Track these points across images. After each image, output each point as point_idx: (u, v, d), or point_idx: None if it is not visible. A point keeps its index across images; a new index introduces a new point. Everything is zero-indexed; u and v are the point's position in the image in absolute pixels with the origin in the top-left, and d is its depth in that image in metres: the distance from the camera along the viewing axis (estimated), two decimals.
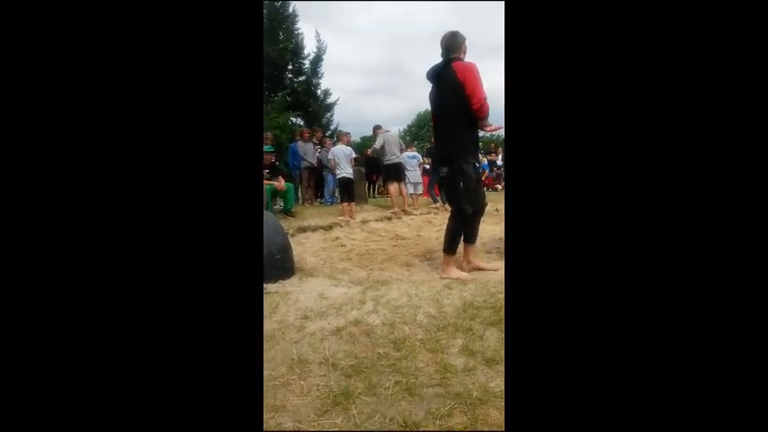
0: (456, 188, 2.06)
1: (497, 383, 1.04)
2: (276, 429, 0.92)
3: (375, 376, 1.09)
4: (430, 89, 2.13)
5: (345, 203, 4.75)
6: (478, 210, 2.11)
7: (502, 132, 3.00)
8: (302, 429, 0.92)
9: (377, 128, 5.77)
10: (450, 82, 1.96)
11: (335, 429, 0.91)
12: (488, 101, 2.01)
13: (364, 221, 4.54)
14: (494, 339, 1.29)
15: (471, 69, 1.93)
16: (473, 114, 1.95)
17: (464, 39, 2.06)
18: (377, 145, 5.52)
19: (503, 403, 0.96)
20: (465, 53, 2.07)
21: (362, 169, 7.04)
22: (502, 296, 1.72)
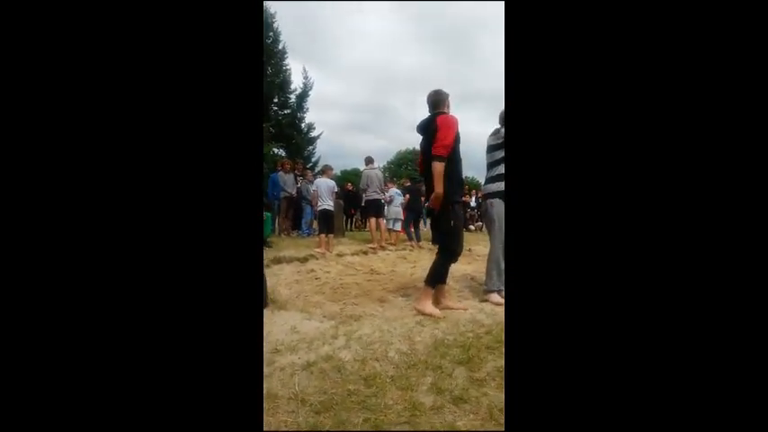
0: (446, 227, 2.16)
1: (464, 423, 1.06)
2: (276, 429, 0.90)
3: (344, 413, 1.09)
4: (420, 140, 2.31)
5: (323, 235, 4.75)
6: (459, 252, 2.21)
7: (478, 177, 3.06)
8: (302, 429, 0.90)
9: (369, 160, 5.91)
10: (434, 132, 2.11)
11: (336, 430, 0.89)
12: (461, 146, 2.17)
13: (340, 255, 4.54)
14: (462, 378, 1.31)
15: (448, 120, 2.11)
16: (432, 152, 2.06)
17: (447, 95, 2.27)
18: (362, 183, 5.68)
19: None
20: (449, 107, 2.28)
21: (341, 202, 7.11)
22: (471, 335, 1.77)
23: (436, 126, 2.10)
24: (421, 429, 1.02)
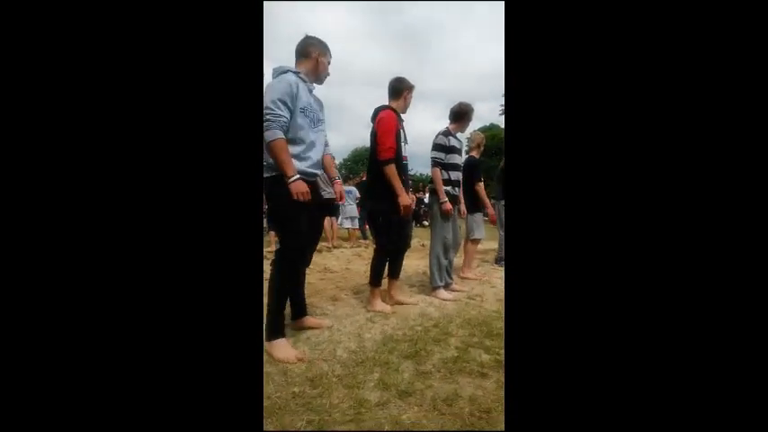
0: (377, 225, 2.16)
1: (408, 416, 1.08)
2: (275, 429, 0.90)
3: (288, 416, 1.06)
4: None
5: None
6: (401, 246, 2.20)
7: (424, 171, 3.12)
8: (302, 429, 0.90)
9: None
10: (373, 127, 2.11)
11: (338, 430, 0.86)
12: (410, 144, 2.19)
13: None
14: (408, 372, 1.34)
15: (383, 118, 2.05)
16: (378, 159, 2.03)
17: (408, 86, 2.17)
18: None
19: None
20: (406, 101, 2.18)
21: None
22: (420, 328, 1.81)
23: (376, 127, 2.06)
24: (366, 427, 1.03)
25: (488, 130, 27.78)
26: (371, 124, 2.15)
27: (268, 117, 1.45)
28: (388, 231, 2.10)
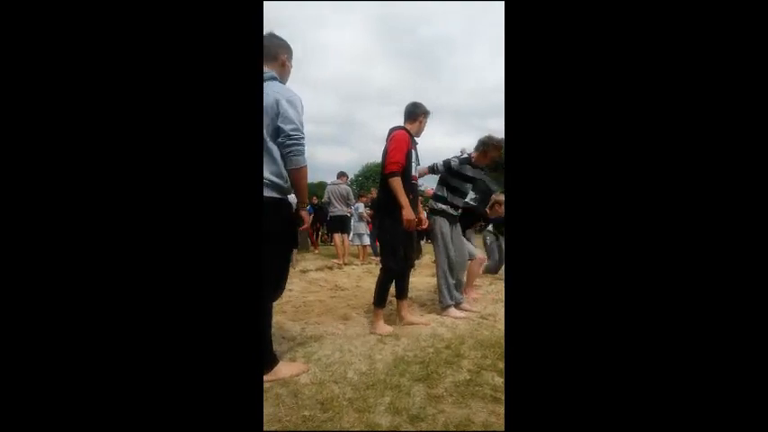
0: (383, 243, 2.16)
1: None
2: (275, 429, 0.90)
3: None
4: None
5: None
6: (405, 267, 2.17)
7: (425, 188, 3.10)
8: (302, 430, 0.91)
9: (340, 175, 5.88)
10: (387, 148, 2.15)
11: (338, 429, 0.85)
12: (428, 160, 2.21)
13: (304, 271, 4.45)
14: (420, 396, 1.32)
15: (395, 136, 2.09)
16: (384, 171, 2.06)
17: (423, 111, 2.22)
18: (324, 196, 5.64)
19: None
20: (421, 125, 2.22)
21: (310, 215, 7.00)
22: (432, 350, 1.79)
23: (387, 144, 2.12)
24: None
25: None
26: (385, 143, 2.20)
27: (299, 139, 1.32)
28: (394, 251, 2.10)
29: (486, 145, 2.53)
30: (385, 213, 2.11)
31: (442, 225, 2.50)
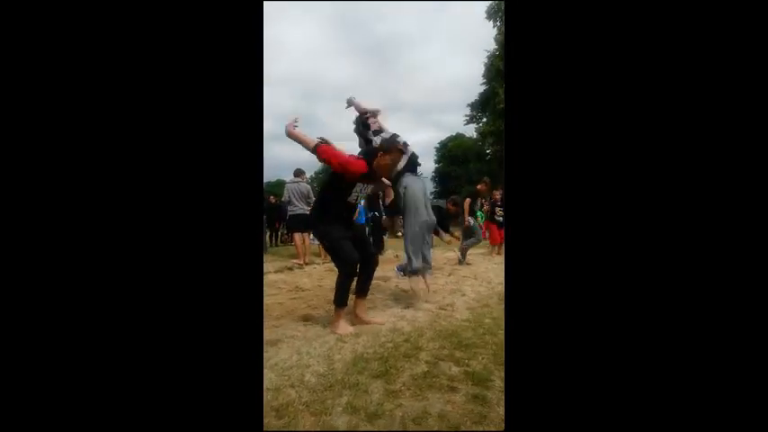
0: (326, 248, 2.16)
1: None
2: (275, 429, 0.92)
3: None
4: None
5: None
6: (353, 266, 2.08)
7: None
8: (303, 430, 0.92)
9: (297, 173, 5.71)
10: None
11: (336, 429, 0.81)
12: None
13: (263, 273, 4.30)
14: (378, 393, 1.32)
15: (324, 150, 2.00)
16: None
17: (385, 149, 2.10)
18: (284, 195, 5.47)
19: None
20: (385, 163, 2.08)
21: (263, 216, 6.76)
22: (391, 345, 1.80)
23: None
24: None
25: (455, 139, 28.49)
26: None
27: None
28: (336, 252, 2.08)
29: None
30: (318, 220, 2.13)
31: (411, 182, 2.48)
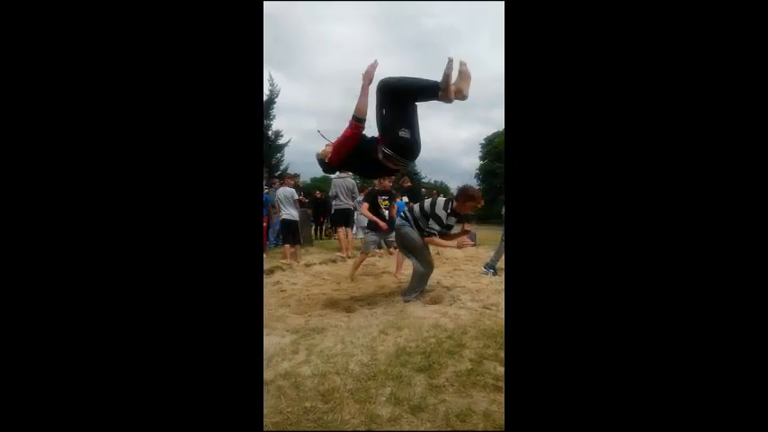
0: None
1: None
2: (275, 429, 0.94)
3: None
4: None
5: (288, 246, 4.65)
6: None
7: (439, 178, 3.20)
8: (302, 430, 0.93)
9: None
10: None
11: (335, 430, 0.92)
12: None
13: (308, 265, 4.46)
14: (421, 386, 1.32)
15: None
16: None
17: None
18: (330, 192, 5.65)
19: None
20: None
21: (309, 211, 7.01)
22: (434, 340, 1.79)
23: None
24: None
25: (501, 135, 27.47)
26: None
27: None
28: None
29: (463, 195, 2.65)
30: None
31: (415, 236, 2.65)
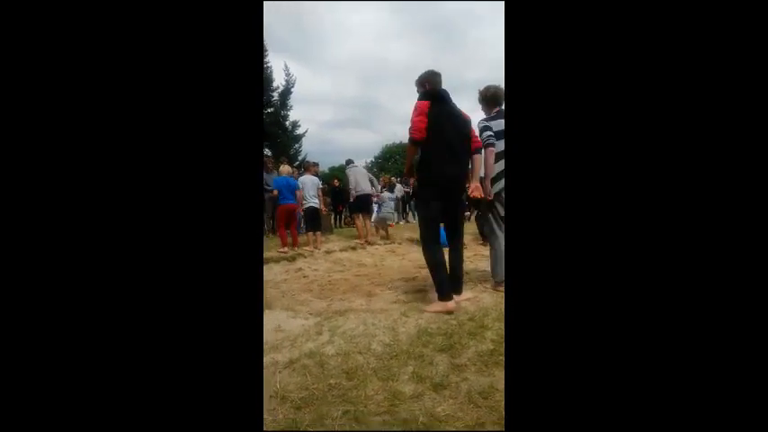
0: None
1: (443, 408, 1.08)
2: (275, 429, 0.94)
3: (324, 407, 1.09)
4: None
5: (311, 233, 4.73)
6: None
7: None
8: (302, 430, 0.94)
9: (348, 162, 5.96)
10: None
11: (335, 430, 0.92)
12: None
13: (329, 251, 4.54)
14: (443, 365, 1.33)
15: (417, 105, 2.05)
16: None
17: (431, 75, 2.19)
18: (350, 181, 5.67)
19: (447, 427, 1.00)
20: (432, 86, 2.16)
21: (327, 199, 7.07)
22: (455, 322, 1.79)
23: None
24: (400, 418, 1.04)
25: None
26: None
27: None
28: (423, 224, 2.13)
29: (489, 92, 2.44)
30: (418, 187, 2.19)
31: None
